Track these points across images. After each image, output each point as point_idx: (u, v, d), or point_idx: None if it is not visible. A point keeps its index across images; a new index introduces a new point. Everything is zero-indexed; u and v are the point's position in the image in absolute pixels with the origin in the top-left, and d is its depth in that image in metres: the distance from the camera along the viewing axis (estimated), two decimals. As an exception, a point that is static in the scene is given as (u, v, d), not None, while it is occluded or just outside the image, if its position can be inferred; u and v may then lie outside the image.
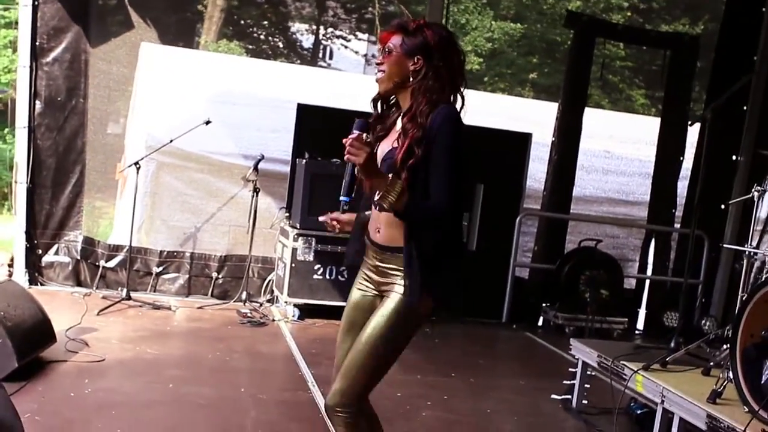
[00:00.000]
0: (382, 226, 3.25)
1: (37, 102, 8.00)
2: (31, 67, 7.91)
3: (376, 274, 3.32)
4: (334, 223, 3.42)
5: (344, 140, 3.00)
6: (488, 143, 8.38)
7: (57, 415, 4.68)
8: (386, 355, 3.24)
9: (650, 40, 10.67)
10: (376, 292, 3.33)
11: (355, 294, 3.43)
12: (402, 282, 3.17)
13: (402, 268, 3.17)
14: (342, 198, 3.12)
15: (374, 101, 3.38)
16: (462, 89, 3.26)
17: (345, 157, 2.99)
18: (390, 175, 3.06)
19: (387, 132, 3.33)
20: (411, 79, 3.21)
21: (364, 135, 3.06)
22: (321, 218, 3.48)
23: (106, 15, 8.61)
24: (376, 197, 3.08)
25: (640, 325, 9.46)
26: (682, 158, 9.46)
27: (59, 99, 8.07)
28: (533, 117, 9.94)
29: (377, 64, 3.29)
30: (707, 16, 18.08)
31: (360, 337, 3.22)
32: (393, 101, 3.37)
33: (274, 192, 8.66)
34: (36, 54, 7.95)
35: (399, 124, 3.25)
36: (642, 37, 11.07)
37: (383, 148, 3.27)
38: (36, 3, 7.87)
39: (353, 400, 3.24)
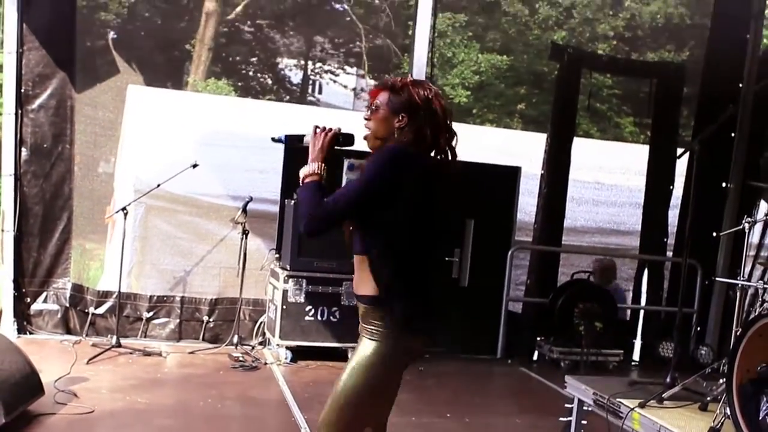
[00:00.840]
0: (355, 271, 3.37)
1: (23, 149, 7.95)
2: (16, 114, 7.87)
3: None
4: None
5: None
6: (477, 178, 8.33)
7: (45, 472, 4.60)
8: (355, 405, 3.27)
9: (636, 70, 10.75)
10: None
11: None
12: (367, 333, 3.28)
13: (367, 319, 3.30)
14: (281, 136, 3.56)
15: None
16: (446, 145, 3.36)
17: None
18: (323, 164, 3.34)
19: None
20: (395, 135, 3.34)
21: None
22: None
23: (91, 60, 8.60)
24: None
25: (636, 356, 9.40)
26: (672, 187, 9.44)
27: (45, 146, 8.03)
28: (522, 149, 9.95)
29: (365, 119, 3.41)
30: (692, 42, 18.24)
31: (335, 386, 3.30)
32: None
33: (264, 233, 8.60)
34: (21, 101, 7.92)
35: None
36: (627, 68, 11.15)
37: None
38: (20, 50, 7.84)
39: None
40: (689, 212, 6.37)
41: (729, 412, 4.44)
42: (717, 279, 8.39)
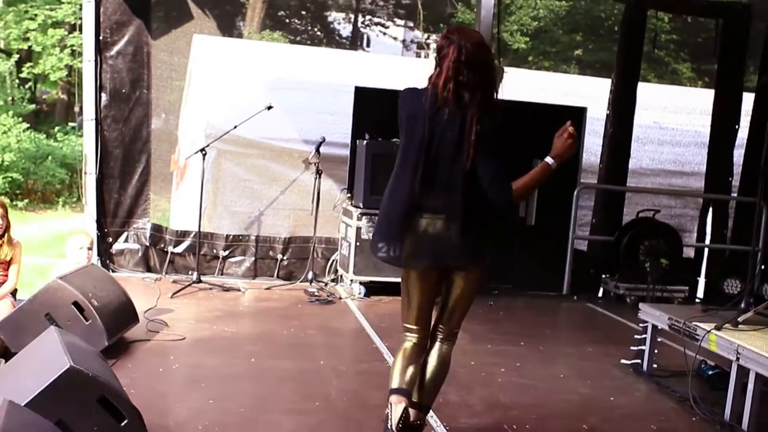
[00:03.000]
0: None
1: (103, 95, 8.23)
2: (95, 61, 8.13)
3: None
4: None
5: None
6: (543, 119, 8.43)
7: (150, 389, 4.88)
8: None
9: (702, 10, 10.65)
10: None
11: None
12: None
13: None
14: None
15: None
16: (445, 75, 3.72)
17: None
18: None
19: None
20: None
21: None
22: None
23: (166, 7, 8.81)
24: None
25: (701, 293, 9.51)
26: (737, 127, 9.46)
27: (124, 91, 8.30)
28: (585, 92, 9.98)
29: None
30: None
31: None
32: None
33: (333, 175, 8.80)
34: (100, 48, 8.17)
35: None
36: (694, 7, 11.02)
37: None
38: (99, -1, 8.09)
39: None
40: (763, 152, 6.40)
41: (806, 330, 4.59)
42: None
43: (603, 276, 9.11)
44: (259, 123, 8.26)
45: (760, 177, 6.52)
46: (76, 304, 5.32)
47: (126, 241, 8.50)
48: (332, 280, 8.59)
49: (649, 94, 9.85)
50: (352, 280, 8.03)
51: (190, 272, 8.18)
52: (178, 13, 8.66)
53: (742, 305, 5.58)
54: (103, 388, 3.59)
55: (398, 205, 3.81)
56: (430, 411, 4.25)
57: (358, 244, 7.91)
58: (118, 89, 8.27)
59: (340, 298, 7.94)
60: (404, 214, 3.79)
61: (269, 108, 8.01)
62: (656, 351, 6.07)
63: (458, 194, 3.71)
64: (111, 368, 4.34)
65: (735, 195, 9.54)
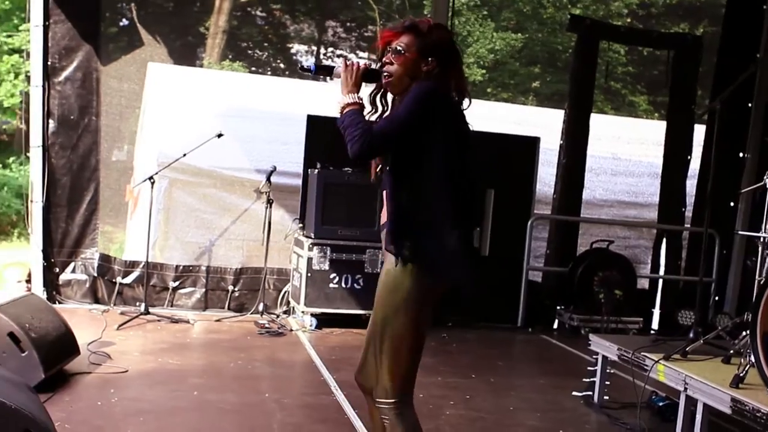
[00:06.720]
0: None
1: (51, 121, 8.08)
2: (43, 86, 7.99)
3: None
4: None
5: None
6: (496, 148, 8.48)
7: (86, 423, 4.73)
8: (400, 335, 3.27)
9: (653, 41, 10.76)
10: None
11: None
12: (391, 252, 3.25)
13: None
14: (310, 65, 3.44)
15: (373, 96, 3.44)
16: (466, 91, 3.35)
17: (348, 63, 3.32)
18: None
19: None
20: (423, 79, 3.28)
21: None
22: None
23: (116, 33, 8.72)
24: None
25: (655, 324, 9.49)
26: (689, 157, 9.52)
27: (72, 117, 8.15)
28: (540, 122, 10.01)
29: (386, 62, 3.33)
30: (706, 20, 18.23)
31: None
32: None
33: (286, 205, 8.71)
34: (48, 74, 8.03)
35: None
36: (645, 38, 11.17)
37: None
38: (47, 23, 7.96)
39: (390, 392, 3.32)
40: (710, 179, 6.42)
41: (753, 360, 4.54)
42: (738, 233, 8.51)
43: (558, 307, 9.05)
44: (211, 152, 8.16)
45: (707, 206, 6.51)
46: (11, 335, 5.15)
47: (73, 271, 8.30)
48: (284, 312, 8.46)
49: (603, 125, 9.92)
50: (303, 312, 7.91)
51: (138, 304, 8.01)
52: (128, 39, 8.57)
53: (691, 335, 5.55)
54: (26, 421, 3.44)
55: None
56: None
57: (309, 274, 7.80)
58: (66, 116, 8.13)
59: (291, 330, 7.81)
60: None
61: (219, 136, 7.91)
62: (608, 382, 6.01)
63: None
64: (40, 401, 4.18)
65: (688, 225, 9.57)
